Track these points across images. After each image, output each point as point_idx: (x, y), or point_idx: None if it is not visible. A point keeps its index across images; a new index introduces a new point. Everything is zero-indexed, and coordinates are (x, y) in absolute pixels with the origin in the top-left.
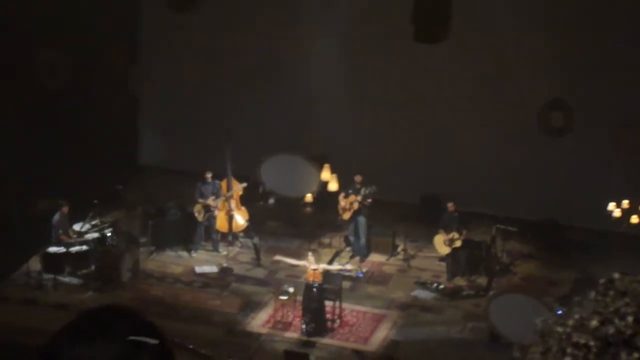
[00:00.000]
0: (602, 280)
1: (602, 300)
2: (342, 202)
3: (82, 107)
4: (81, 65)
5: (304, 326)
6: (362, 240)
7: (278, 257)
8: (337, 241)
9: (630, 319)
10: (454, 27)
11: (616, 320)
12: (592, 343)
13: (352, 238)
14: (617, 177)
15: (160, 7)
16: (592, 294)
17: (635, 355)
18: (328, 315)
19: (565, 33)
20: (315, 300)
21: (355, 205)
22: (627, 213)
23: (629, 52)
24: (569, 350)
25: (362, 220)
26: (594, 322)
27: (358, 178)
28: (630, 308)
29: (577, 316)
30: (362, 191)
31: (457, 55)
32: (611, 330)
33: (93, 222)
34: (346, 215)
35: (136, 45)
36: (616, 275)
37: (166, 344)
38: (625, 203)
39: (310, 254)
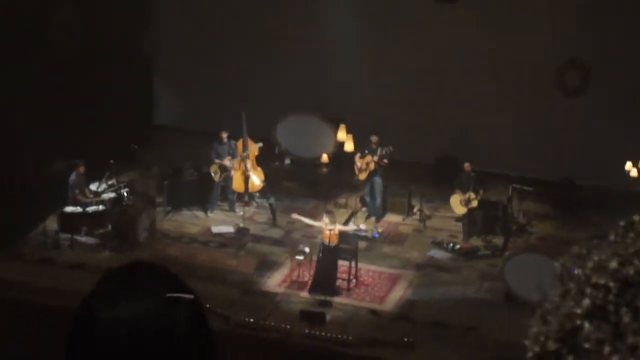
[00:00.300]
0: (621, 223)
1: (621, 242)
2: (358, 163)
3: (98, 67)
4: (96, 25)
5: (312, 287)
6: (378, 201)
7: (295, 216)
8: (353, 202)
9: None
10: None
11: (636, 262)
12: (611, 284)
13: (368, 198)
14: (634, 136)
15: None
16: (612, 236)
17: None
18: (344, 276)
19: None
20: (329, 261)
21: (372, 166)
22: None
23: None
24: (588, 291)
25: (378, 180)
26: (614, 264)
27: (374, 138)
28: None
29: (596, 258)
30: (378, 151)
31: (474, 15)
32: (631, 271)
33: (109, 182)
34: (362, 176)
35: (150, 4)
36: (636, 218)
37: (199, 298)
38: None
39: (325, 214)
